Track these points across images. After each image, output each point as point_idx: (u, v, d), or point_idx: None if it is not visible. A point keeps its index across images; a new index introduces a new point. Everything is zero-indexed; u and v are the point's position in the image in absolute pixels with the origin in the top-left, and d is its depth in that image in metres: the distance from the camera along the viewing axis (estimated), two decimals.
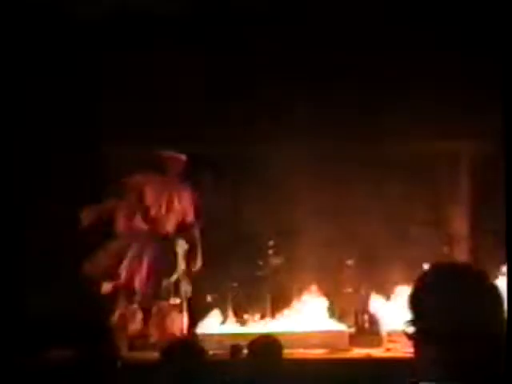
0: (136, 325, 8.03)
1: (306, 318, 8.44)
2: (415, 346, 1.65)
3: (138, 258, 8.19)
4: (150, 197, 8.43)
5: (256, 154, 8.95)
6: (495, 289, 1.66)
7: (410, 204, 8.84)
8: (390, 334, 7.64)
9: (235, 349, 6.80)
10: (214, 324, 8.40)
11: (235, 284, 8.91)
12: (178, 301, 8.27)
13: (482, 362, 1.60)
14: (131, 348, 7.85)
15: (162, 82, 8.37)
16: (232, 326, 8.37)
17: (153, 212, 8.38)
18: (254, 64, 8.41)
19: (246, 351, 5.11)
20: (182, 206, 8.56)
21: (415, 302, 1.68)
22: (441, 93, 8.18)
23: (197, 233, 8.50)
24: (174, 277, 8.24)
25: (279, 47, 8.35)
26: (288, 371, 4.88)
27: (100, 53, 8.32)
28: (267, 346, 4.72)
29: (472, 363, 1.60)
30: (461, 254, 8.81)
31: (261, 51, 8.37)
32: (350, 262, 8.87)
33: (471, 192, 9.08)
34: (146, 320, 8.08)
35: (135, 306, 8.07)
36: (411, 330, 1.67)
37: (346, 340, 7.96)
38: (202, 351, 4.49)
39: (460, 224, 9.20)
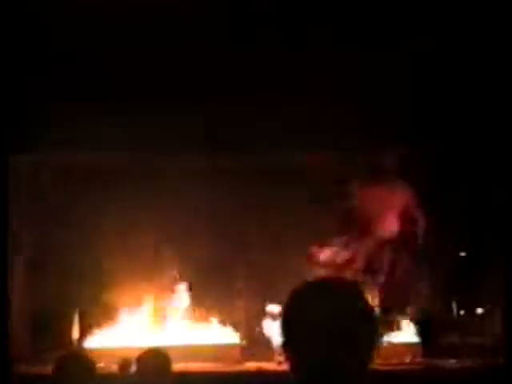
0: None
1: (198, 331, 8.43)
2: (286, 358, 1.69)
3: None
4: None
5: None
6: (362, 301, 1.70)
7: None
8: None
9: (124, 363, 6.68)
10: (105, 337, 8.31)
11: None
12: None
13: (346, 373, 1.64)
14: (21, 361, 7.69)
15: None
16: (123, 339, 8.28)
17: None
18: None
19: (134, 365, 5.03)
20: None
21: (283, 317, 1.74)
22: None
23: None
24: None
25: None
26: None
27: None
28: (155, 359, 4.64)
29: (337, 373, 1.63)
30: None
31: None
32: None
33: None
34: None
35: None
36: (281, 343, 1.75)
37: (238, 353, 7.99)
38: (92, 364, 4.40)
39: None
